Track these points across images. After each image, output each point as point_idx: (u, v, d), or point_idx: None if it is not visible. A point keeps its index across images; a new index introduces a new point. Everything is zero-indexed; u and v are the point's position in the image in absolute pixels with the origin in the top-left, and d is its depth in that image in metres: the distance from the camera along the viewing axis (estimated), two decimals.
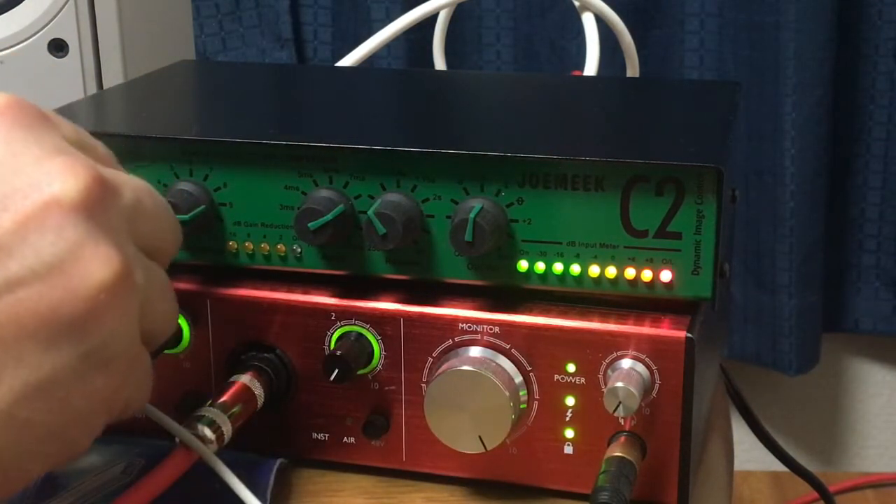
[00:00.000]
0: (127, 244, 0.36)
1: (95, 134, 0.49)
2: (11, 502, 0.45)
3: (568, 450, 0.46)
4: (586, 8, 0.71)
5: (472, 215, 0.43)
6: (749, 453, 1.20)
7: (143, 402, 0.40)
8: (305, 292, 0.47)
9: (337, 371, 0.45)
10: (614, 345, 0.44)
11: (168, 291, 0.39)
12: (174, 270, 0.41)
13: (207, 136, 0.48)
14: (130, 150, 0.48)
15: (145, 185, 0.38)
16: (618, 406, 0.43)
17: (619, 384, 0.43)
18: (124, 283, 0.34)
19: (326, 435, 0.48)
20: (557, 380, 0.45)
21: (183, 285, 0.48)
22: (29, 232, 0.33)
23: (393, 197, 0.45)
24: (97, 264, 0.33)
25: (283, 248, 0.47)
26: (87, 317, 0.33)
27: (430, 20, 0.74)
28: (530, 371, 0.45)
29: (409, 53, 1.23)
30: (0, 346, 0.32)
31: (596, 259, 0.45)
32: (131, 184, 0.37)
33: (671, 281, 0.45)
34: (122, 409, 0.38)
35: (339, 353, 0.45)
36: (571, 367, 0.45)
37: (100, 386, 0.35)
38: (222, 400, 0.44)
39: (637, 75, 0.76)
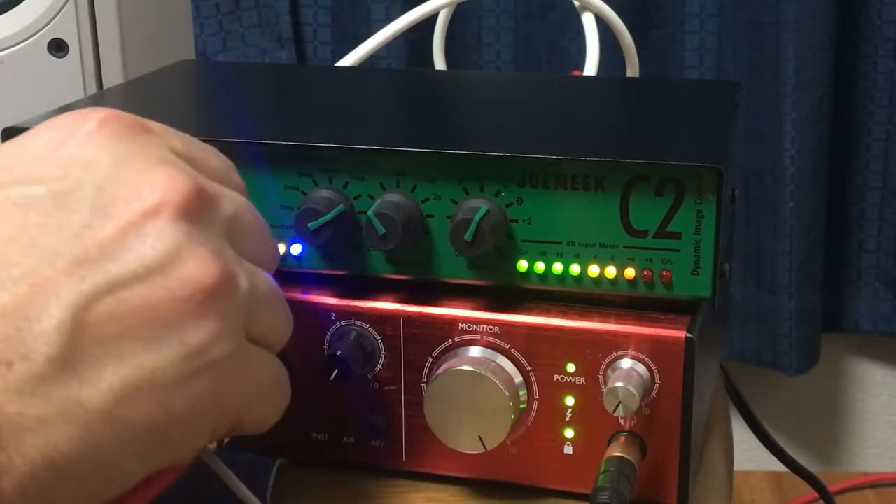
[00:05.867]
0: (229, 252, 0.37)
1: None
2: None
3: (568, 450, 0.46)
4: (586, 8, 0.71)
5: (477, 217, 0.43)
6: (749, 453, 1.20)
7: (265, 418, 0.40)
8: (305, 292, 0.47)
9: (337, 371, 0.45)
10: (614, 345, 0.44)
11: (276, 298, 0.40)
12: None
13: (207, 137, 0.47)
14: None
15: (245, 201, 0.39)
16: (617, 406, 0.43)
17: (619, 384, 0.43)
18: (223, 285, 0.35)
19: (326, 435, 0.48)
20: (557, 380, 0.45)
21: None
22: (129, 238, 0.34)
23: (393, 197, 0.45)
24: (195, 266, 0.34)
25: (283, 248, 0.47)
26: (185, 317, 0.34)
27: (430, 20, 0.74)
28: (530, 371, 0.45)
29: (409, 53, 1.23)
30: (100, 345, 0.33)
31: (596, 259, 0.45)
32: (231, 197, 0.38)
33: (671, 281, 0.45)
34: (235, 422, 0.38)
35: (339, 353, 0.45)
36: (571, 367, 0.45)
37: (202, 390, 0.35)
38: None
39: (637, 75, 0.76)
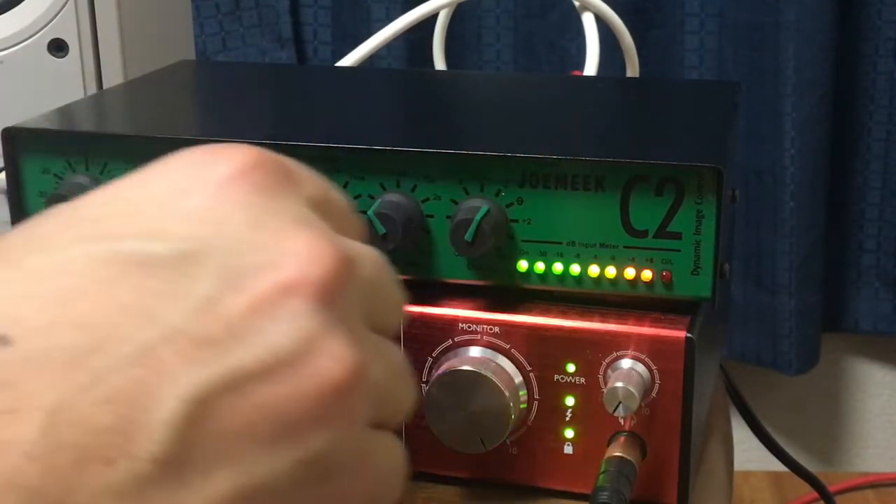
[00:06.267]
0: (363, 334, 0.32)
1: (97, 134, 0.49)
2: None
3: (568, 450, 0.46)
4: (586, 8, 0.71)
5: (477, 217, 0.43)
6: (749, 453, 1.20)
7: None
8: None
9: None
10: (614, 345, 0.44)
11: (405, 375, 0.35)
12: None
13: (207, 136, 0.48)
14: (130, 150, 0.47)
15: (379, 259, 0.35)
16: (618, 406, 0.43)
17: (619, 384, 0.43)
18: (356, 382, 0.30)
19: None
20: (557, 380, 0.45)
21: None
22: (261, 318, 0.29)
23: (393, 197, 0.45)
24: (329, 361, 0.30)
25: None
26: (311, 417, 0.29)
27: (430, 20, 0.74)
28: (530, 371, 0.45)
29: (409, 53, 1.23)
30: (213, 443, 0.28)
31: (596, 259, 0.45)
32: (369, 257, 0.34)
33: (671, 281, 0.45)
34: None
35: None
36: (571, 367, 0.45)
37: (320, 496, 0.30)
38: None
39: (637, 75, 0.76)
